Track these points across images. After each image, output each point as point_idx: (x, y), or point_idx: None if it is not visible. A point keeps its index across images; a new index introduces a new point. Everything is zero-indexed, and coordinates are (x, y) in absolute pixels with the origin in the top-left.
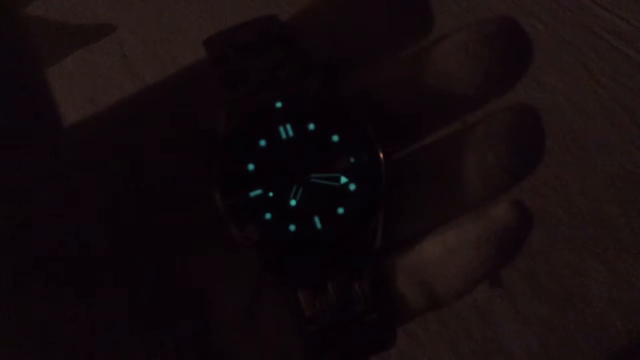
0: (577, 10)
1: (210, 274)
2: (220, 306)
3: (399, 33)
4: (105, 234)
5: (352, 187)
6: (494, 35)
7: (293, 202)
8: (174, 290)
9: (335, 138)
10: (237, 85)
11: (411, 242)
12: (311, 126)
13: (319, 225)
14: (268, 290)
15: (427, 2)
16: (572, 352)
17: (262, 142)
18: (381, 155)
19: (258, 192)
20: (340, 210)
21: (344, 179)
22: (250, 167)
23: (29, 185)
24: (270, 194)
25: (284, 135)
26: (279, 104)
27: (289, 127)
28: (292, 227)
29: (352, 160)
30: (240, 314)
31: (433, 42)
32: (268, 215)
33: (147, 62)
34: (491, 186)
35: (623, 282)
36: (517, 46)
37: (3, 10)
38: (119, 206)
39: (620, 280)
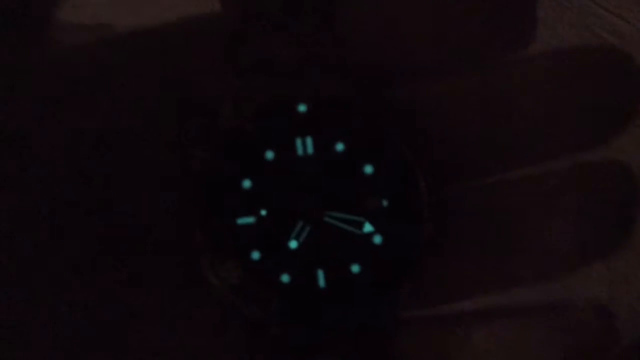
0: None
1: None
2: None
3: (479, 44)
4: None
5: (377, 239)
6: (595, 64)
7: (293, 244)
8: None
9: (367, 169)
10: (252, 73)
11: (448, 322)
12: (339, 146)
13: (322, 283)
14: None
15: (531, 11)
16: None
17: (270, 154)
18: (426, 202)
19: (248, 219)
20: (355, 269)
21: (368, 227)
22: (246, 183)
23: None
24: (265, 226)
25: (300, 151)
26: (302, 107)
27: (309, 141)
28: (285, 278)
29: (384, 203)
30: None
31: (515, 61)
32: (256, 255)
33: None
34: (559, 261)
35: (623, 282)
36: (624, 80)
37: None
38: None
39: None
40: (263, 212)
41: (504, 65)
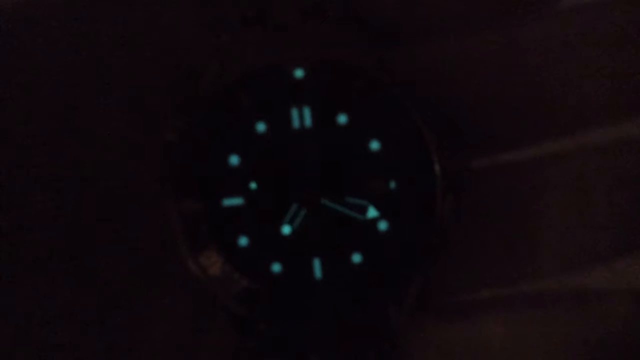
0: None
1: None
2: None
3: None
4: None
5: (382, 226)
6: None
7: (287, 229)
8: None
9: (374, 145)
10: (245, 28)
11: (459, 318)
12: (341, 118)
13: (318, 273)
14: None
15: None
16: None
17: (261, 126)
18: (440, 183)
19: (236, 200)
20: (356, 258)
21: (373, 212)
22: (233, 159)
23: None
24: (254, 209)
25: (296, 123)
26: (299, 73)
27: (307, 111)
28: (276, 267)
29: (392, 184)
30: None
31: (541, 17)
32: (243, 241)
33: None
34: (587, 249)
35: (623, 282)
36: None
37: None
38: None
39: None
40: (252, 193)
41: (528, 22)
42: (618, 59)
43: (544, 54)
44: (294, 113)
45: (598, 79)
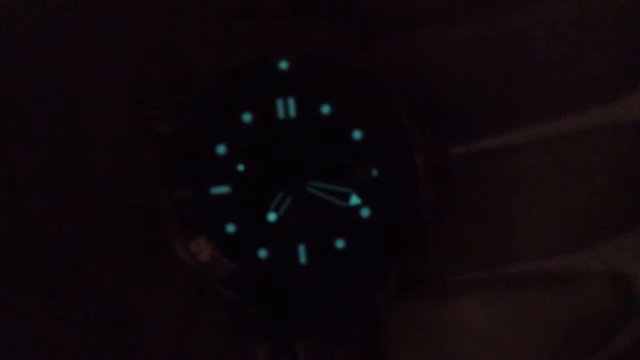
0: None
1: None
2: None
3: None
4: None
5: (365, 212)
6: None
7: (272, 216)
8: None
9: (356, 134)
10: (235, 20)
11: (440, 300)
12: (325, 108)
13: (302, 259)
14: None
15: None
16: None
17: (247, 117)
18: (421, 171)
19: (223, 189)
20: (340, 244)
21: (355, 199)
22: (221, 149)
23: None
24: (241, 197)
25: (281, 114)
26: (284, 65)
27: (291, 102)
28: (262, 253)
29: (374, 172)
30: (172, 336)
31: (522, 6)
32: (230, 228)
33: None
34: (566, 232)
35: (603, 265)
36: None
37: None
38: None
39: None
40: (239, 181)
41: (513, 10)
42: (602, 45)
43: (528, 41)
44: (279, 104)
45: (582, 65)
